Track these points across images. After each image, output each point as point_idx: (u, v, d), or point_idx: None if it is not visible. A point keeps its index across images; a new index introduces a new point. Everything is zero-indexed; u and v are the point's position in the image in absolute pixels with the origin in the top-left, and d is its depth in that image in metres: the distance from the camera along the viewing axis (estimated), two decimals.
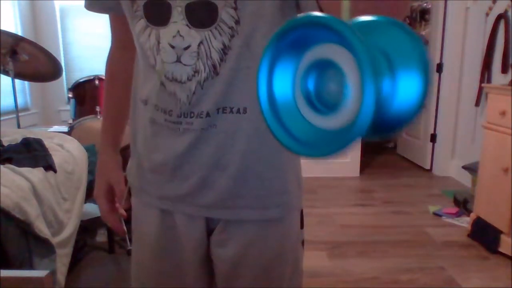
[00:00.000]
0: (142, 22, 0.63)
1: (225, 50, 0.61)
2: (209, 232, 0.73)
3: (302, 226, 0.77)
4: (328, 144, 0.29)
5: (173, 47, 0.61)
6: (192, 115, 0.65)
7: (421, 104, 0.30)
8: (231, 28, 0.60)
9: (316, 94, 0.30)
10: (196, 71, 0.62)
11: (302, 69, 0.30)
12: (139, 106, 0.72)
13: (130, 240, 2.32)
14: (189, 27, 0.60)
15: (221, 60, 0.62)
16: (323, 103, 0.30)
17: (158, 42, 0.62)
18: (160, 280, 0.77)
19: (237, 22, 0.60)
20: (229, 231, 0.71)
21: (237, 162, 0.66)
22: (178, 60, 0.62)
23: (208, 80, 0.62)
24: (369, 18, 0.31)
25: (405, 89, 0.30)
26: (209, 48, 0.61)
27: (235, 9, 0.59)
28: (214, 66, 0.62)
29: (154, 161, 0.71)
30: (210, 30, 0.60)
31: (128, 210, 0.83)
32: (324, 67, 0.29)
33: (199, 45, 0.61)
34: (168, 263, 0.76)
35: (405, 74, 0.30)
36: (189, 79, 0.63)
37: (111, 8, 0.75)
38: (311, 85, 0.30)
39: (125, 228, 0.89)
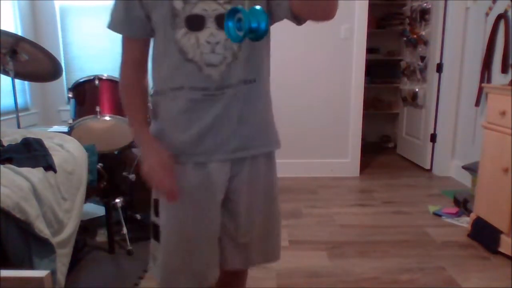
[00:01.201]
0: (183, 30, 0.94)
1: (240, 43, 0.94)
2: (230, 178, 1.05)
3: None
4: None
5: (209, 43, 0.94)
6: (223, 87, 0.98)
7: (262, 27, 0.75)
8: None
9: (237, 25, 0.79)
10: (225, 57, 0.96)
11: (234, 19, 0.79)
12: (169, 95, 1.01)
13: (130, 240, 2.31)
14: (217, 30, 0.94)
15: (238, 49, 0.97)
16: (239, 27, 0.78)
17: (198, 41, 0.94)
18: (198, 218, 1.04)
19: None
20: (243, 167, 1.05)
21: (252, 116, 1.03)
22: (213, 51, 0.95)
23: (232, 63, 0.97)
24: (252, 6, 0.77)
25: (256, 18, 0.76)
26: (231, 42, 0.92)
27: None
28: (234, 54, 0.97)
29: (195, 128, 1.00)
30: None
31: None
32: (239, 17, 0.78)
33: (225, 40, 0.94)
34: (203, 203, 1.04)
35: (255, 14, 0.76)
36: (221, 63, 0.96)
37: (136, 31, 1.00)
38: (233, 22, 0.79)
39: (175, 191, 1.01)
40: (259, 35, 0.76)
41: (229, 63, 0.96)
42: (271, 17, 1.00)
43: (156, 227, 1.08)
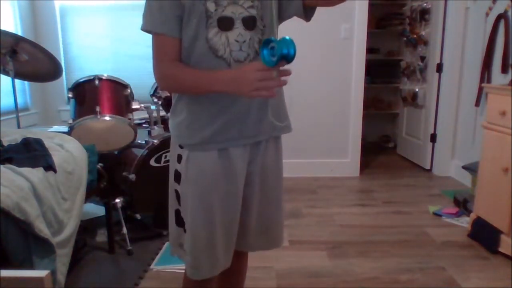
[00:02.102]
0: (216, 29, 1.05)
1: (261, 40, 1.07)
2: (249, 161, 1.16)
3: None
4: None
5: (237, 41, 1.06)
6: None
7: (291, 53, 0.92)
8: (262, 30, 1.09)
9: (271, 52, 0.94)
10: (248, 54, 1.08)
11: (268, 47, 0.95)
12: None
13: (130, 240, 2.31)
14: (244, 30, 1.06)
15: (259, 48, 1.06)
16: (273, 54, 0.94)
17: (228, 40, 1.05)
18: (221, 204, 1.13)
19: (264, 26, 1.09)
20: (262, 146, 1.18)
21: (270, 104, 1.15)
22: (240, 49, 1.07)
23: (254, 59, 1.08)
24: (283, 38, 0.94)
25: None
26: (254, 41, 1.08)
27: (262, 20, 1.09)
28: (256, 51, 1.08)
29: (222, 118, 1.10)
30: (254, 31, 1.08)
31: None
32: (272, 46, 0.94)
33: (250, 39, 1.07)
34: (227, 185, 1.13)
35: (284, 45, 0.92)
36: (245, 59, 1.08)
37: (178, 30, 1.07)
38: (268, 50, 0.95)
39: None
40: (289, 60, 0.93)
41: (252, 59, 1.08)
42: (281, 16, 1.13)
43: (178, 214, 1.18)
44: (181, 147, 1.15)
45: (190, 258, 1.16)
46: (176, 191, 1.18)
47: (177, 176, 1.16)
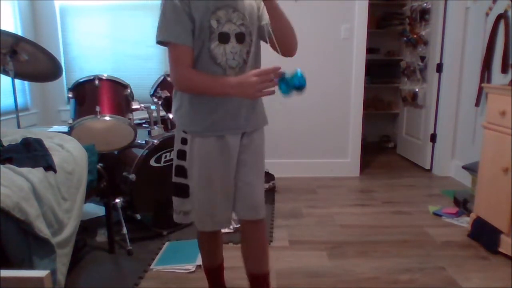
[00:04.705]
0: (216, 42, 1.32)
1: (248, 53, 1.38)
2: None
3: None
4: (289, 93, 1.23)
5: (231, 52, 1.34)
6: None
7: (303, 84, 1.21)
8: (249, 44, 1.38)
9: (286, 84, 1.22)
10: (239, 63, 1.36)
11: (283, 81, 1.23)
12: None
13: (130, 240, 2.31)
14: (236, 43, 1.34)
15: (247, 57, 1.38)
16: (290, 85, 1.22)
17: (225, 51, 1.33)
18: (219, 176, 1.41)
19: (251, 41, 1.38)
20: (249, 135, 1.45)
21: (254, 104, 1.44)
22: (233, 58, 1.34)
23: (242, 67, 1.37)
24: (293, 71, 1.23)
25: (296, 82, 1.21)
26: (243, 52, 1.36)
27: (250, 35, 1.38)
28: (244, 60, 1.37)
29: (220, 111, 1.37)
30: (243, 45, 1.36)
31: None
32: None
33: (240, 51, 1.35)
34: (223, 163, 1.41)
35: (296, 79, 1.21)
36: (236, 66, 1.36)
37: (192, 42, 1.30)
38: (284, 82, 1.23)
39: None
40: (301, 89, 1.21)
41: (241, 66, 1.36)
42: (261, 38, 1.43)
43: (181, 187, 1.46)
44: (185, 132, 1.42)
45: (196, 215, 1.47)
46: (177, 167, 1.46)
47: (181, 154, 1.44)
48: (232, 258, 1.78)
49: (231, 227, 2.41)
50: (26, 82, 3.53)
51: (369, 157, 4.31)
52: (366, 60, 3.57)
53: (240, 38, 1.34)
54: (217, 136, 1.39)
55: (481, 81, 3.08)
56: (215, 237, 1.61)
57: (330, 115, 3.63)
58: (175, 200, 1.49)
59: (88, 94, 2.34)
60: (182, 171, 1.45)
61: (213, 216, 1.45)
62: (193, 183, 1.44)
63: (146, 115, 2.61)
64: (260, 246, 1.59)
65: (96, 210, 2.61)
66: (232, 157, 1.42)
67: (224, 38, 1.31)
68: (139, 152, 2.34)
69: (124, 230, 2.23)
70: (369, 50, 4.02)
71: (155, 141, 2.34)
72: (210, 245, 1.63)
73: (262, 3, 1.37)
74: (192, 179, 1.43)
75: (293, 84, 1.19)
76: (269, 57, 1.50)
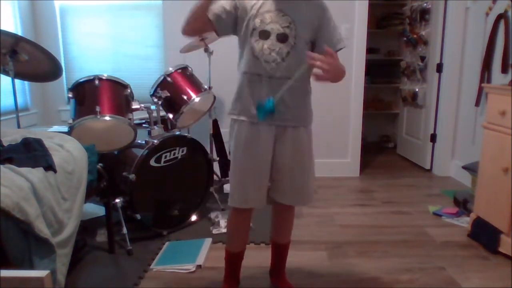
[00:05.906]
0: (257, 37, 1.51)
1: (288, 52, 1.51)
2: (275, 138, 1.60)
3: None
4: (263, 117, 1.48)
5: (269, 48, 1.50)
6: (271, 77, 1.52)
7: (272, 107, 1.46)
8: (291, 45, 1.50)
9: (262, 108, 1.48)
10: (276, 59, 1.51)
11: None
12: (243, 76, 1.57)
13: (130, 240, 2.31)
14: (276, 42, 1.50)
15: (286, 55, 1.51)
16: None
17: (263, 46, 1.50)
18: (251, 159, 1.58)
19: (294, 43, 1.51)
20: (285, 132, 1.59)
21: (289, 100, 1.54)
22: (270, 54, 1.50)
23: (280, 63, 1.51)
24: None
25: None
26: (282, 50, 1.50)
27: (295, 38, 1.50)
28: (283, 58, 1.51)
29: (253, 99, 1.54)
30: (284, 44, 1.50)
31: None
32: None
33: (280, 49, 1.50)
34: (255, 150, 1.57)
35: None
36: (273, 62, 1.51)
37: (214, 17, 1.51)
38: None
39: None
40: (271, 113, 1.46)
41: (278, 62, 1.51)
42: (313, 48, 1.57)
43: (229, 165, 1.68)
44: (230, 115, 1.63)
45: (230, 192, 1.66)
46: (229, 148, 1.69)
47: (230, 136, 1.65)
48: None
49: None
50: (26, 82, 3.52)
51: (369, 157, 4.31)
52: (366, 60, 3.57)
53: (281, 38, 1.49)
54: (251, 123, 1.56)
55: (481, 81, 3.08)
56: (243, 217, 1.72)
57: (330, 115, 3.63)
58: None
59: (88, 94, 2.34)
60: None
61: (242, 194, 1.62)
62: (231, 161, 1.66)
63: (146, 115, 2.61)
64: (288, 225, 1.88)
65: (96, 210, 2.61)
66: (262, 144, 1.57)
67: (264, 35, 1.50)
68: (139, 152, 2.33)
69: (124, 230, 2.23)
70: (369, 50, 4.02)
71: (155, 141, 2.34)
72: (238, 225, 1.75)
73: (324, 17, 1.54)
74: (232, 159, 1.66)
75: (265, 110, 1.44)
76: None
